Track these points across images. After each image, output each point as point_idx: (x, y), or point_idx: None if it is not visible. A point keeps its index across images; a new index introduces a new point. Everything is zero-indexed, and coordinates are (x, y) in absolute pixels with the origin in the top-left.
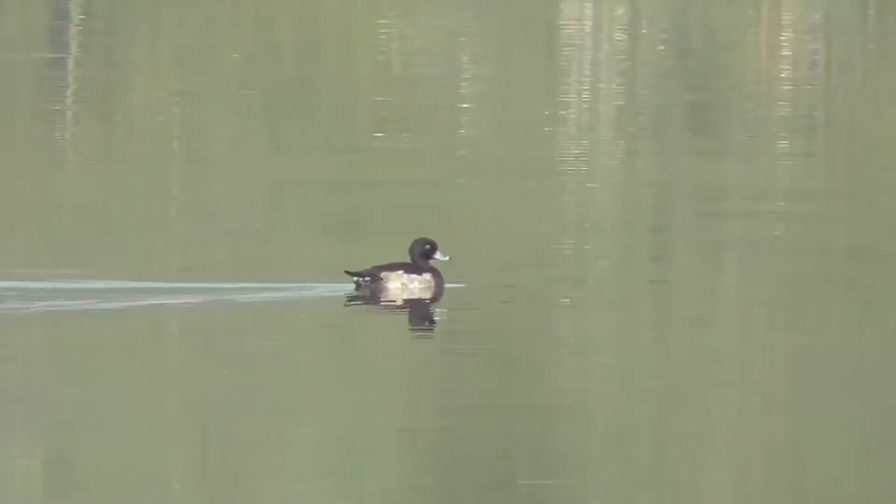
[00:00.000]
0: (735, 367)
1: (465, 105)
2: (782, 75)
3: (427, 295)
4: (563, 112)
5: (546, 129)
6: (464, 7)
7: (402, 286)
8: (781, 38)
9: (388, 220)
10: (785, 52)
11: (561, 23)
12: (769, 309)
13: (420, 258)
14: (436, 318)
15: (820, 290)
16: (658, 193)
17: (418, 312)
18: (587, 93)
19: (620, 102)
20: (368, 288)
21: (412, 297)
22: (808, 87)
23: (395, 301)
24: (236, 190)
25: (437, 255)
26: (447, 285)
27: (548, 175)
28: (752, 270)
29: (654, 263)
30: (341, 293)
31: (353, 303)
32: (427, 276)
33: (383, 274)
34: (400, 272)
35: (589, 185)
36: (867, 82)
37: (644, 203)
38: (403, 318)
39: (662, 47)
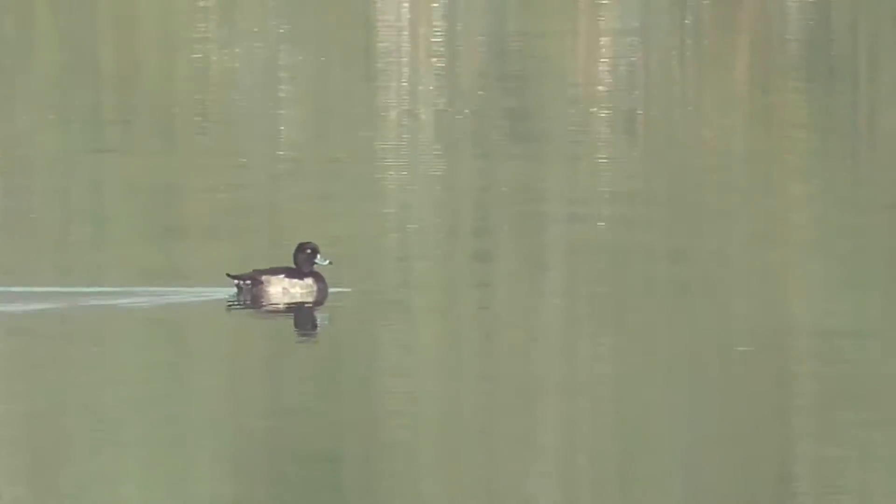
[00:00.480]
0: (561, 368)
1: (283, 108)
2: (601, 80)
3: (309, 299)
4: (382, 115)
5: (366, 132)
6: (280, 9)
7: (283, 290)
8: (600, 43)
9: (218, 225)
10: (603, 58)
11: (378, 26)
12: (593, 311)
13: (304, 263)
14: (318, 322)
15: (642, 291)
16: (480, 197)
17: (299, 316)
18: (406, 96)
19: (440, 106)
20: (250, 292)
21: (293, 301)
22: (627, 92)
23: (276, 305)
24: (60, 194)
25: (318, 259)
26: (332, 290)
27: (371, 179)
28: (575, 273)
29: (483, 266)
30: (216, 297)
31: (234, 306)
32: (309, 280)
33: (264, 278)
34: (281, 276)
35: (411, 188)
36: (685, 87)
37: (468, 207)
38: (276, 321)
39: (481, 51)
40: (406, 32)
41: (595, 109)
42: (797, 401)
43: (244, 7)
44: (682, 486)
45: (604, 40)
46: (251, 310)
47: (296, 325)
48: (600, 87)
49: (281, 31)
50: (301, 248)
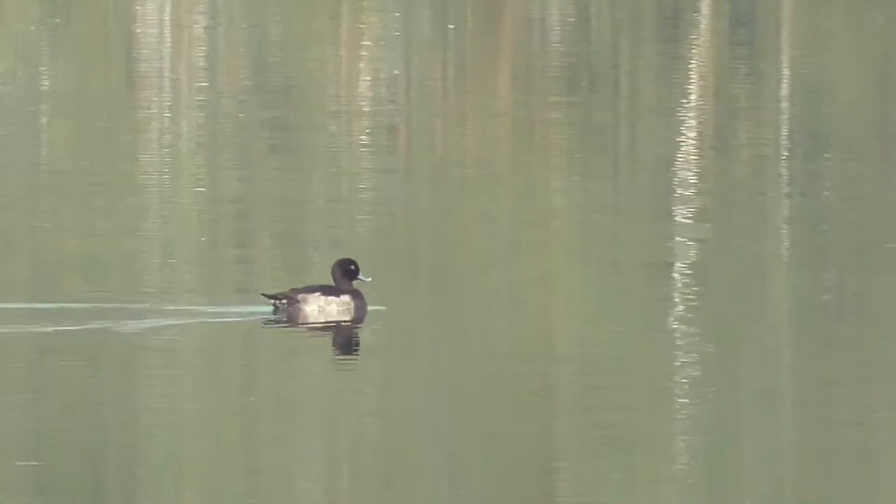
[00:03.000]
0: (325, 383)
1: (44, 123)
2: (363, 92)
3: (346, 317)
4: (144, 128)
5: (129, 145)
6: (41, 26)
7: (318, 309)
8: (362, 54)
9: None
10: (366, 70)
11: (139, 37)
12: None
13: (342, 279)
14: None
15: (405, 301)
16: (242, 209)
17: (336, 335)
18: (168, 109)
19: (202, 120)
20: (286, 311)
21: (330, 319)
22: (389, 104)
23: (312, 323)
24: None
25: (360, 276)
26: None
27: (133, 194)
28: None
29: (246, 277)
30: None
31: (269, 325)
32: (346, 297)
33: (300, 296)
34: (317, 294)
35: (175, 200)
36: (447, 100)
37: (229, 219)
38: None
39: (242, 63)
40: (168, 45)
41: (357, 121)
42: (559, 408)
43: (2, 24)
44: (444, 492)
45: (366, 52)
46: (288, 328)
47: (333, 344)
48: (362, 99)
49: (39, 45)
50: (340, 263)
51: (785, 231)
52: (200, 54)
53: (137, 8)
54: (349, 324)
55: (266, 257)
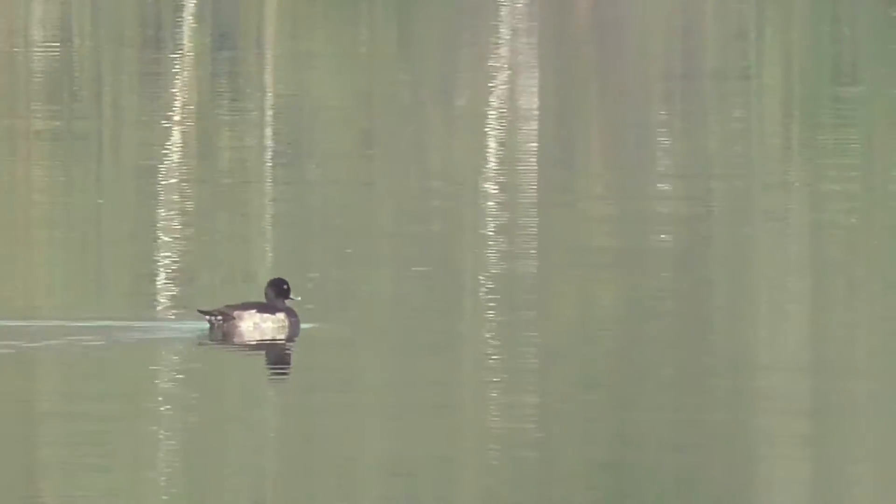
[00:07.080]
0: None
1: None
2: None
3: (281, 335)
4: None
5: None
6: None
7: (254, 326)
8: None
9: None
10: None
11: None
12: None
13: (276, 298)
14: (286, 357)
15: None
16: None
17: (272, 352)
18: None
19: None
20: (221, 328)
21: (265, 336)
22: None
23: (248, 341)
24: None
25: (291, 295)
26: (303, 325)
27: None
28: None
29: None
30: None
31: (205, 343)
32: (281, 315)
33: (236, 313)
34: (253, 311)
35: None
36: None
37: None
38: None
39: None
40: None
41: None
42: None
43: None
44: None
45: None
46: (223, 346)
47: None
48: None
49: None
50: (274, 283)
51: (269, 232)
52: None
53: None
54: (283, 342)
55: None
